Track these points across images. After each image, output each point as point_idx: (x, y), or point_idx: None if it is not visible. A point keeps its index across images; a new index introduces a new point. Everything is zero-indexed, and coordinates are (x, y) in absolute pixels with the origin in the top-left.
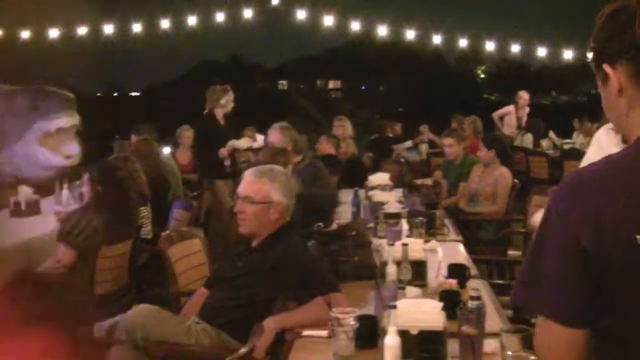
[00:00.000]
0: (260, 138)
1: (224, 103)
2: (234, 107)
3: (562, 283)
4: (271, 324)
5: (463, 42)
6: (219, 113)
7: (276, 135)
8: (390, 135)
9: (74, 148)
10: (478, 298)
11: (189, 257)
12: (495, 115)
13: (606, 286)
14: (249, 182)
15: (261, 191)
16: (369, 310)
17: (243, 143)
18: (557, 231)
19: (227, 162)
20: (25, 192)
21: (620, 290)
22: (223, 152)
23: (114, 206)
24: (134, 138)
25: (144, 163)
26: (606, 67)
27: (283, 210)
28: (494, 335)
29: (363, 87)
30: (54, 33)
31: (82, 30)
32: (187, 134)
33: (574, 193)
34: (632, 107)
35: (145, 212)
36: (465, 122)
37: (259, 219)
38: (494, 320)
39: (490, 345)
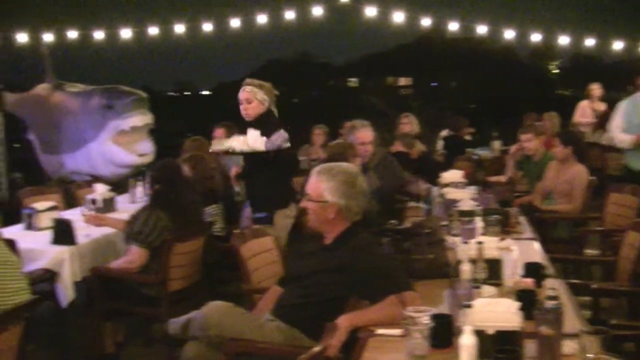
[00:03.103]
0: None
1: None
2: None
3: None
4: (344, 322)
5: (535, 37)
6: None
7: (369, 133)
8: (465, 135)
9: (147, 146)
10: (555, 298)
11: (261, 254)
12: (577, 118)
13: None
14: (311, 180)
15: (317, 190)
16: (443, 309)
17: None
18: None
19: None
20: (101, 190)
21: None
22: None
23: (174, 204)
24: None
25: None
26: None
27: (340, 210)
28: (572, 336)
29: (433, 84)
30: (126, 33)
31: (153, 30)
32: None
33: None
34: None
35: (217, 209)
36: (545, 117)
37: (318, 217)
38: (571, 321)
39: (568, 346)
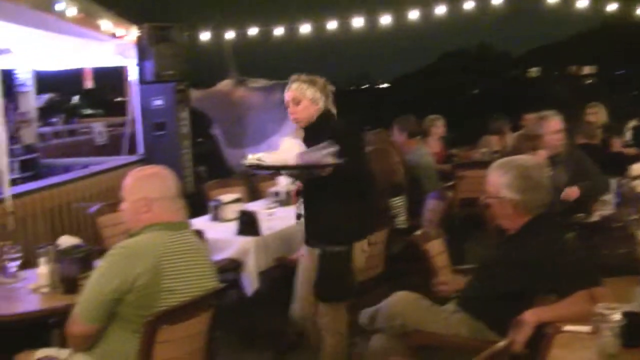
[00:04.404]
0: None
1: None
2: None
3: None
4: (531, 317)
5: None
6: None
7: (559, 121)
8: None
9: None
10: None
11: (441, 254)
12: None
13: None
14: (489, 175)
15: (494, 185)
16: (635, 307)
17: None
18: None
19: None
20: (283, 182)
21: None
22: None
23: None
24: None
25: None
26: None
27: (517, 205)
28: None
29: (620, 71)
30: (305, 28)
31: (331, 25)
32: (437, 123)
33: None
34: None
35: (400, 202)
36: None
37: (497, 212)
38: None
39: None
